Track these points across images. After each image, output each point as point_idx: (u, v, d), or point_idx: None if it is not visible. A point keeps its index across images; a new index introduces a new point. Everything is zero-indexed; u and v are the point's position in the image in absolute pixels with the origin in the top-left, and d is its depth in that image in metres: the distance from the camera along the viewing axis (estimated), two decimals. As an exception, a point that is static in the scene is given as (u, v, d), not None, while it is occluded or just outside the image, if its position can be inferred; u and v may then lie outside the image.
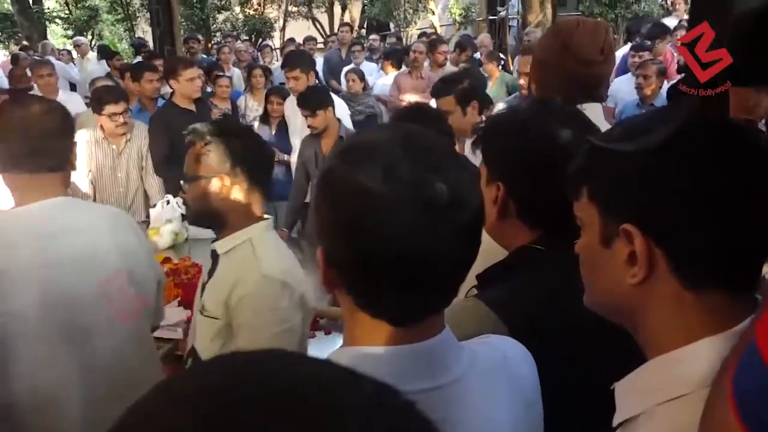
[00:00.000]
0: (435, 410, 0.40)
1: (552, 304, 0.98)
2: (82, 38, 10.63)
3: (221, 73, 5.54)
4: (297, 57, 4.39)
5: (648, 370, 0.68)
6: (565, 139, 1.02)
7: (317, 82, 5.22)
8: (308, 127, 3.40)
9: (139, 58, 7.32)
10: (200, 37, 9.02)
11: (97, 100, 3.42)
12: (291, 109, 4.29)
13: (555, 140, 1.02)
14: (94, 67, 8.57)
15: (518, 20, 9.84)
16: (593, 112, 1.54)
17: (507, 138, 1.06)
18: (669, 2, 8.18)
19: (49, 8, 14.70)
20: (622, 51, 6.39)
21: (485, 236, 1.21)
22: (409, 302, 0.67)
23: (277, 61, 7.69)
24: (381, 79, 6.32)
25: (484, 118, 2.56)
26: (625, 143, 0.67)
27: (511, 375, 0.77)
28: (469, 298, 1.05)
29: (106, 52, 9.07)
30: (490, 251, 1.14)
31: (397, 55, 6.42)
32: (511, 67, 6.89)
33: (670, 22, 7.18)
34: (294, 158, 3.98)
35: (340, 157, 0.68)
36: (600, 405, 0.99)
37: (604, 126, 1.54)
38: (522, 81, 3.21)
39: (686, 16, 7.06)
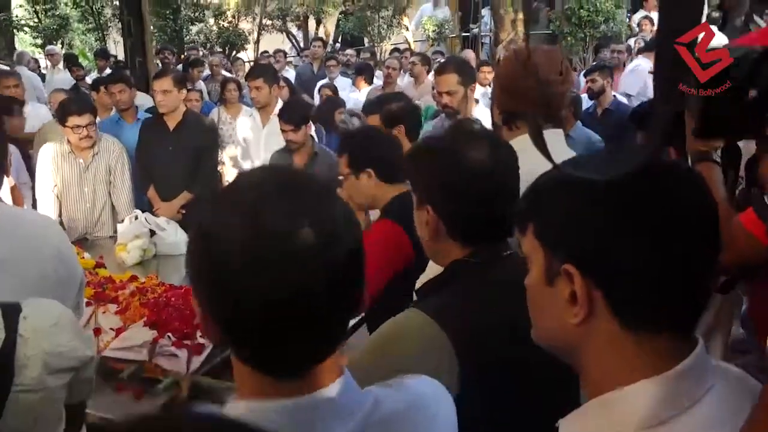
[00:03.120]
0: None
1: (487, 310, 1.06)
2: (54, 47, 10.42)
3: (190, 87, 5.51)
4: (261, 68, 4.46)
5: (588, 410, 0.69)
6: (476, 158, 1.12)
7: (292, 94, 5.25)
8: (288, 141, 3.39)
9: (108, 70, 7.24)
10: (174, 48, 8.96)
11: (61, 111, 3.37)
12: (249, 127, 4.23)
13: (465, 159, 1.11)
14: (60, 76, 8.43)
15: (491, 37, 9.98)
16: (554, 137, 1.58)
17: (426, 163, 1.16)
18: (636, 24, 8.38)
19: (17, 16, 14.41)
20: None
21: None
22: (288, 353, 0.65)
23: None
24: (353, 94, 6.36)
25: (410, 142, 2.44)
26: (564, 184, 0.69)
27: (422, 417, 0.76)
28: (409, 309, 1.11)
29: (73, 62, 8.93)
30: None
31: (369, 71, 6.48)
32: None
33: (637, 42, 7.37)
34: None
35: (209, 206, 0.68)
36: (550, 395, 1.04)
37: (564, 152, 1.58)
38: (446, 100, 2.98)
39: (650, 36, 7.25)
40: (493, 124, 1.63)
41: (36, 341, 1.12)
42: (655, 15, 8.03)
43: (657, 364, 0.65)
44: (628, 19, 9.04)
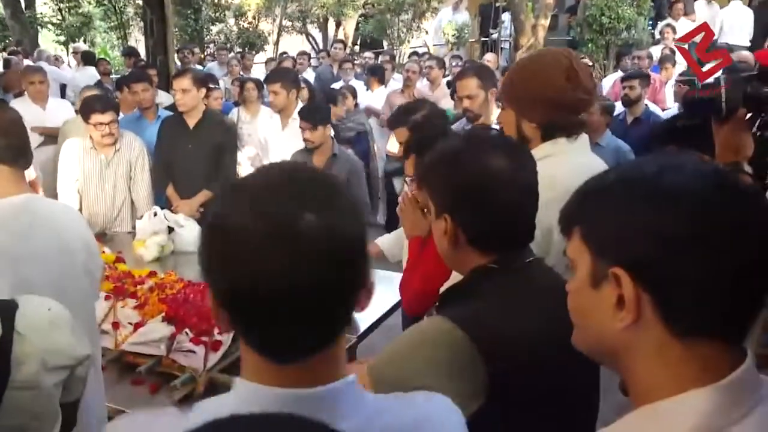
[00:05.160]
0: None
1: (511, 315, 1.05)
2: (80, 45, 10.56)
3: (213, 86, 5.55)
4: (279, 72, 4.45)
5: (634, 419, 0.67)
6: (497, 165, 1.10)
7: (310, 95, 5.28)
8: (304, 140, 3.41)
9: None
10: (195, 49, 9.02)
11: (85, 108, 3.41)
12: (269, 127, 4.29)
13: (487, 167, 1.10)
14: (83, 72, 8.53)
15: (510, 42, 9.95)
16: (583, 141, 1.57)
17: (443, 172, 1.14)
18: (658, 31, 8.31)
19: (41, 13, 14.61)
20: (612, 78, 6.46)
21: None
22: (284, 337, 0.67)
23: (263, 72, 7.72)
24: (365, 95, 6.39)
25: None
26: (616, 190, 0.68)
27: None
28: (434, 316, 1.10)
29: (88, 58, 9.04)
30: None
31: (380, 72, 6.58)
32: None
33: (659, 50, 7.31)
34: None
35: (218, 198, 0.71)
36: (575, 404, 1.03)
37: (589, 154, 1.58)
38: (466, 104, 2.98)
39: (672, 45, 7.19)
40: (520, 135, 1.57)
41: (33, 339, 1.12)
42: (678, 24, 7.96)
43: (705, 372, 0.64)
44: (650, 27, 8.96)
